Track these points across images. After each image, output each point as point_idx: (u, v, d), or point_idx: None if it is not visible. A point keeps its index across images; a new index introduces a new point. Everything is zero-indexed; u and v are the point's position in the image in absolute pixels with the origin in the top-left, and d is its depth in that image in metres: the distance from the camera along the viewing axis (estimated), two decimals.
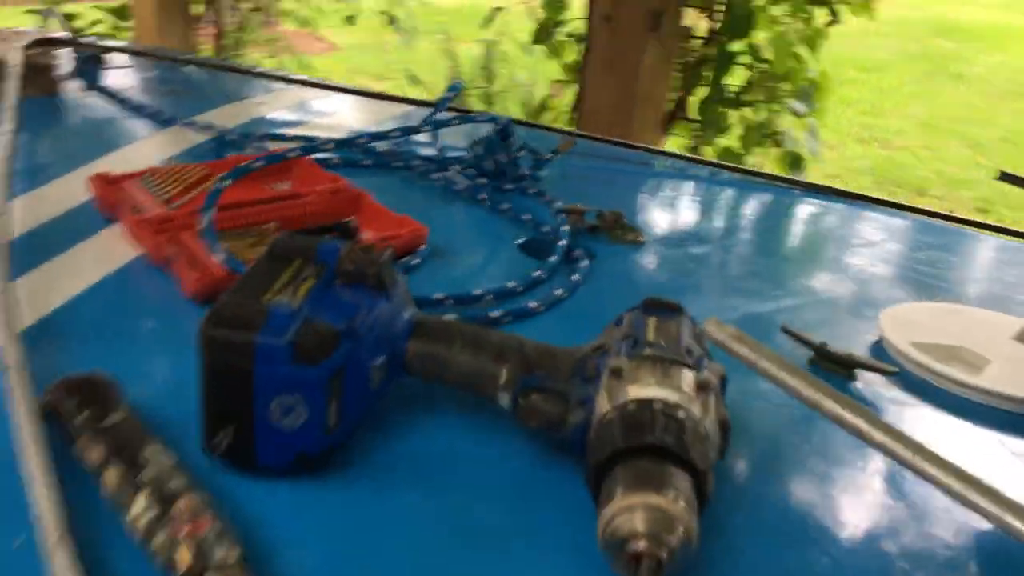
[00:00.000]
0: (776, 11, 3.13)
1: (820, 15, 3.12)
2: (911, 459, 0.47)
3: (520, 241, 0.97)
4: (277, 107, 1.45)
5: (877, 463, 0.64)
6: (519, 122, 1.35)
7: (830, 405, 0.48)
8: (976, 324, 0.87)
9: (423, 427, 0.62)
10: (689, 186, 1.31)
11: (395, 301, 0.60)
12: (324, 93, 1.55)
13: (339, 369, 0.54)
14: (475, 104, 3.86)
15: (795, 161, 3.20)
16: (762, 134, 3.22)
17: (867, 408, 0.50)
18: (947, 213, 1.32)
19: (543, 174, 1.19)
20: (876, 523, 0.58)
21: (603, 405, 0.54)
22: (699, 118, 3.30)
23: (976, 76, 7.67)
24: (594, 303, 0.84)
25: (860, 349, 0.83)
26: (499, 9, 3.81)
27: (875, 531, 0.57)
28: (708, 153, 3.28)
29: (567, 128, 2.82)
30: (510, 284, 0.83)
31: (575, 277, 0.87)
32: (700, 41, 3.17)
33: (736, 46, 3.13)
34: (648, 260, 0.98)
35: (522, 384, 0.58)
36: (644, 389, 0.53)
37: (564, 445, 0.57)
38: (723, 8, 3.10)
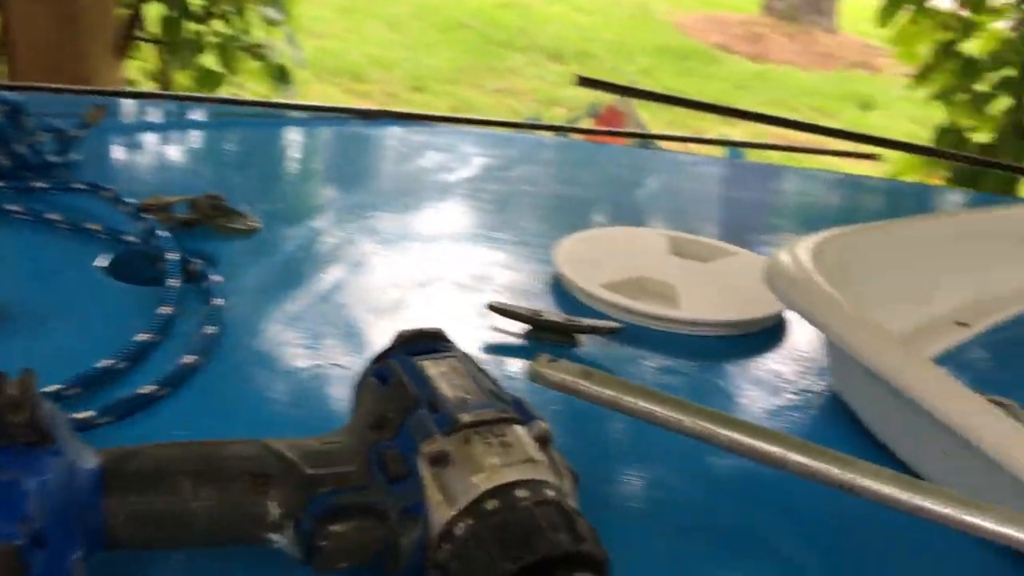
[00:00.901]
0: None
1: None
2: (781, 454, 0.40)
3: (104, 263, 0.72)
4: None
5: None
6: None
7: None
8: (635, 247, 0.85)
9: None
10: (275, 134, 1.13)
11: (66, 450, 0.38)
12: None
13: None
14: None
15: (281, 74, 3.05)
16: (240, 48, 3.01)
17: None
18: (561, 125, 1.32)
19: (78, 158, 0.91)
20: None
21: (442, 512, 0.39)
22: (164, 39, 2.98)
23: None
24: (258, 335, 0.65)
25: (544, 296, 0.76)
26: None
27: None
28: (184, 78, 2.99)
29: None
30: (142, 337, 0.60)
31: (217, 301, 0.66)
32: None
33: None
34: (281, 252, 0.80)
35: (310, 513, 0.40)
36: (494, 475, 0.40)
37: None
38: None
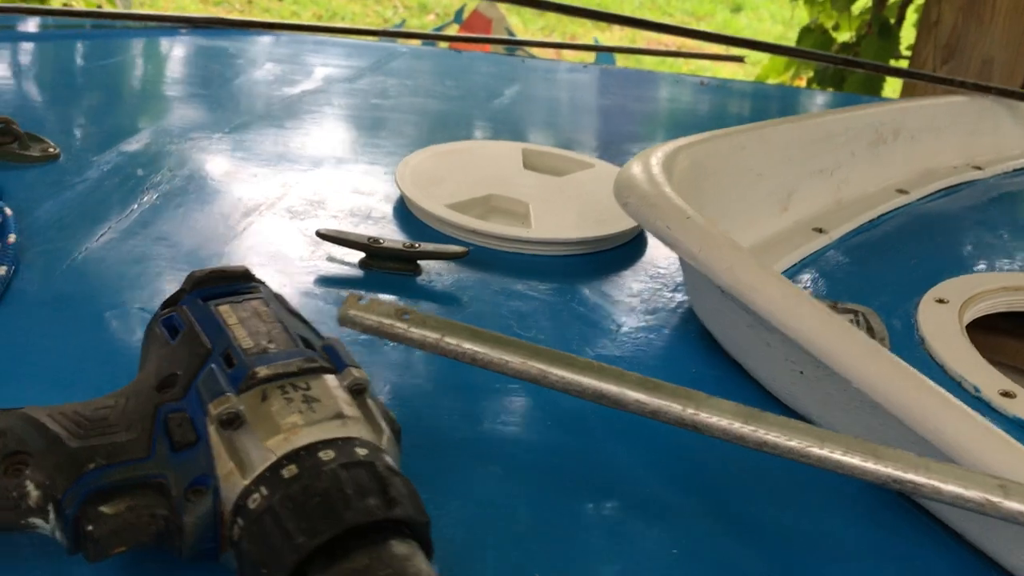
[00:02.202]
0: None
1: None
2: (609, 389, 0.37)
3: None
4: None
5: None
6: None
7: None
8: (486, 161, 0.80)
9: None
10: (92, 49, 1.01)
11: None
12: None
13: None
14: None
15: None
16: None
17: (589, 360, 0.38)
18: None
19: None
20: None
21: (233, 482, 0.34)
22: None
23: None
24: (63, 282, 0.57)
25: (387, 220, 0.70)
26: None
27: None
28: None
29: None
30: None
31: (10, 238, 0.58)
32: None
33: None
34: (78, 181, 0.71)
35: (75, 493, 0.34)
36: (293, 437, 0.34)
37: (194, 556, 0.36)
38: None
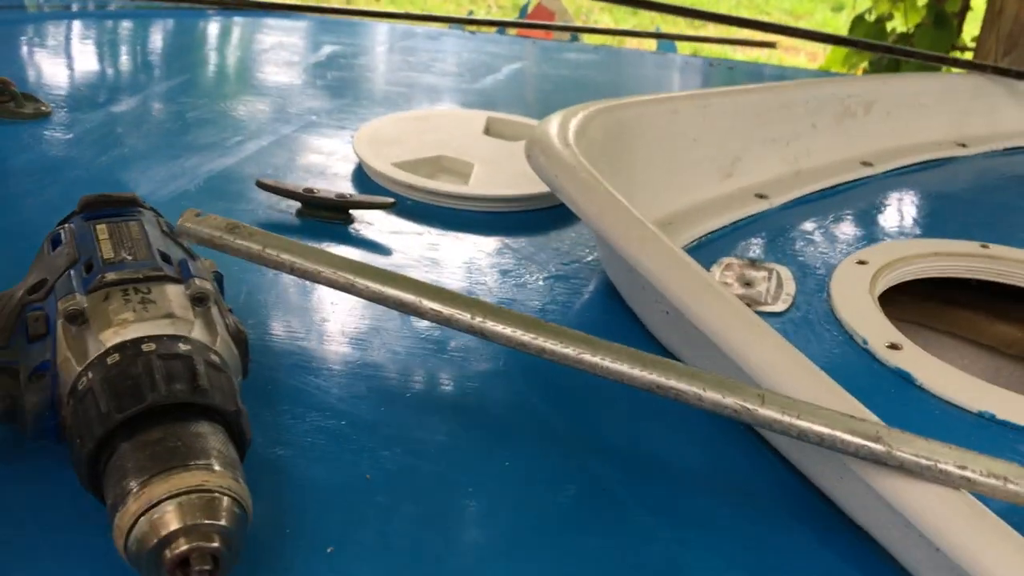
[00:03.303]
0: None
1: None
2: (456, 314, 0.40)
3: None
4: None
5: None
6: None
7: (364, 282, 0.39)
8: (449, 127, 0.84)
9: None
10: (76, 26, 1.08)
11: None
12: None
13: None
14: None
15: None
16: None
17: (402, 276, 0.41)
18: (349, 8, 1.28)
19: None
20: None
21: (69, 369, 0.39)
22: None
23: None
24: (7, 216, 0.64)
25: (344, 181, 0.75)
26: None
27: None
28: None
29: None
30: None
31: None
32: None
33: None
34: (61, 135, 0.77)
35: None
36: (122, 330, 0.39)
37: (37, 435, 0.41)
38: None
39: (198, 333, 0.41)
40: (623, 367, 0.38)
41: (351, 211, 0.67)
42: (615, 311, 0.60)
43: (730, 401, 0.37)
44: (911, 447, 0.35)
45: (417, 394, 0.49)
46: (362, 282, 0.40)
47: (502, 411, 0.49)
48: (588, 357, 0.38)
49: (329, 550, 0.39)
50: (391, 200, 0.67)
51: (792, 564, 0.41)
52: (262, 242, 0.40)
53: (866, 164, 0.87)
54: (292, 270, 0.40)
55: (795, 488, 0.45)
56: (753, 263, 0.66)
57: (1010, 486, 0.35)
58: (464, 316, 0.39)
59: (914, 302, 0.81)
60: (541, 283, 0.63)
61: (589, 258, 0.66)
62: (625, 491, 0.44)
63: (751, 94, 0.79)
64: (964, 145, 0.96)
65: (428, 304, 0.39)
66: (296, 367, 0.50)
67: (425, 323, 0.54)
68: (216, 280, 0.47)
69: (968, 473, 0.35)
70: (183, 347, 0.39)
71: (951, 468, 0.35)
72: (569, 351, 0.38)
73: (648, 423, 0.49)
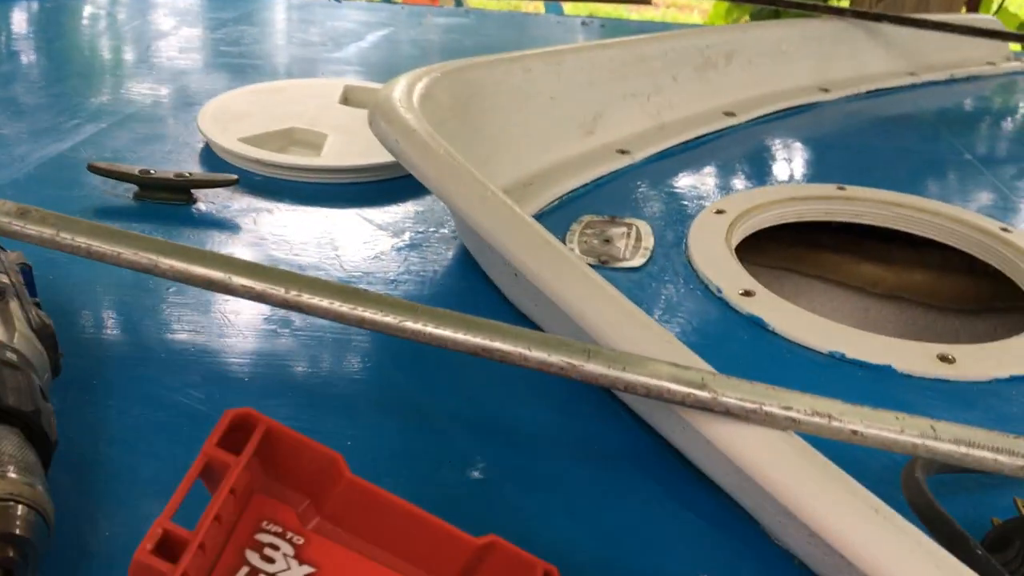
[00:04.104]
0: None
1: None
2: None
3: None
4: None
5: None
6: None
7: (168, 263, 0.37)
8: (303, 98, 0.81)
9: None
10: None
11: None
12: None
13: None
14: None
15: None
16: None
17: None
18: None
19: None
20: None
21: None
22: None
23: None
24: None
25: (192, 161, 0.71)
26: None
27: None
28: None
29: None
30: None
31: None
32: None
33: None
34: None
35: None
36: None
37: None
38: None
39: None
40: (447, 332, 0.36)
41: (192, 191, 0.64)
42: (472, 279, 0.58)
43: (556, 359, 0.36)
44: (736, 391, 0.35)
45: (258, 377, 0.47)
46: (166, 261, 0.37)
47: (351, 386, 0.47)
48: (410, 324, 0.36)
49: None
50: (233, 177, 0.64)
51: (641, 517, 0.40)
52: (56, 226, 0.38)
53: (729, 114, 0.87)
54: (89, 253, 0.38)
55: (647, 445, 0.44)
56: (613, 219, 0.66)
57: (835, 423, 0.35)
58: (277, 291, 0.37)
59: (781, 248, 0.82)
60: (396, 253, 0.61)
61: (446, 228, 0.65)
62: (479, 457, 0.42)
63: (607, 49, 0.78)
64: (827, 90, 0.98)
65: (238, 280, 0.37)
66: (125, 359, 0.47)
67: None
68: (23, 272, 0.44)
69: (793, 414, 0.35)
70: None
71: (776, 410, 0.35)
72: (390, 319, 0.36)
73: (505, 390, 0.48)
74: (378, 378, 0.48)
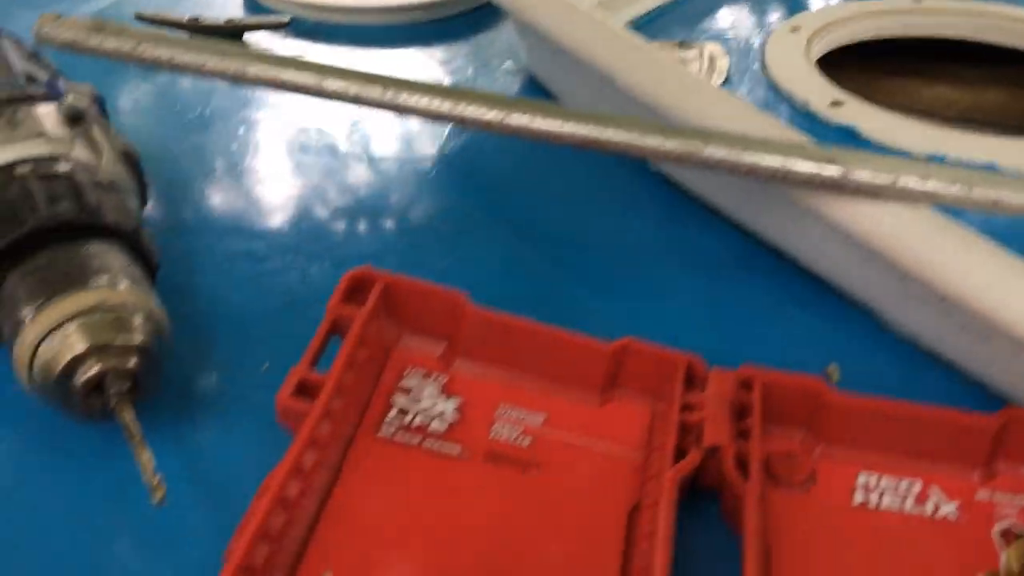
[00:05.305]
0: None
1: None
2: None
3: None
4: None
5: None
6: None
7: (257, 69, 0.35)
8: None
9: None
10: None
11: None
12: None
13: None
14: None
15: None
16: None
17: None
18: None
19: None
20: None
21: None
22: None
23: None
24: None
25: (236, 10, 0.68)
26: None
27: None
28: None
29: None
30: None
31: None
32: None
33: None
34: None
35: None
36: None
37: None
38: None
39: (79, 153, 0.36)
40: (554, 124, 0.34)
41: (243, 36, 0.61)
42: None
43: (672, 145, 0.34)
44: (868, 165, 0.33)
45: (335, 208, 0.46)
46: (253, 69, 0.35)
47: (445, 221, 0.46)
48: (516, 120, 0.34)
49: (264, 367, 0.36)
50: (285, 18, 0.61)
51: (760, 320, 0.39)
52: (135, 37, 0.36)
53: None
54: (172, 65, 0.36)
55: (756, 253, 0.43)
56: (682, 43, 0.63)
57: (976, 192, 0.33)
58: (373, 92, 0.35)
59: (847, 75, 0.79)
60: None
61: (510, 61, 0.62)
62: (574, 272, 0.41)
63: None
64: None
65: (331, 84, 0.35)
66: (206, 193, 0.46)
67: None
68: (98, 103, 0.42)
69: (930, 186, 0.33)
70: (61, 167, 0.35)
71: (912, 183, 0.33)
72: (492, 115, 0.34)
73: (599, 207, 0.46)
74: (464, 204, 0.47)
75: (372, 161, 0.49)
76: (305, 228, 0.44)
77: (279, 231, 0.44)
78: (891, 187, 0.33)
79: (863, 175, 0.33)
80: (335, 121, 0.53)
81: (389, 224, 0.45)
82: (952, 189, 0.33)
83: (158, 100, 0.55)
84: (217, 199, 0.46)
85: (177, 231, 0.43)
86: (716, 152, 0.34)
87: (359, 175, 0.48)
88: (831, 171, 0.33)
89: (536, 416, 0.33)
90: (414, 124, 0.52)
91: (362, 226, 0.45)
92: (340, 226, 0.45)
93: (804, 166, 0.33)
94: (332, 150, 0.50)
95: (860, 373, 0.36)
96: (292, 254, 0.42)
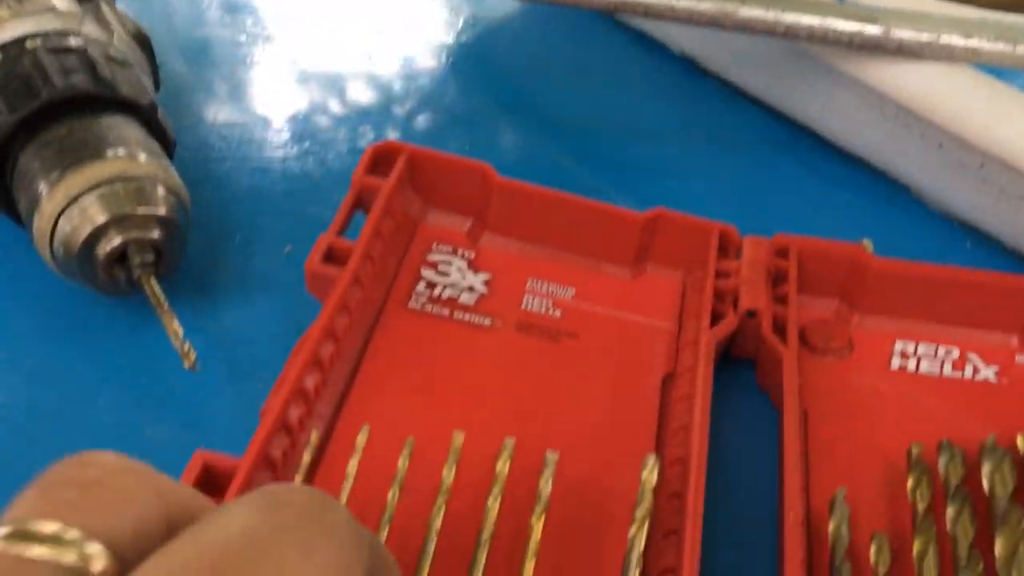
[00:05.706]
0: None
1: None
2: None
3: None
4: None
5: None
6: None
7: None
8: None
9: None
10: None
11: None
12: None
13: None
14: None
15: None
16: None
17: None
18: None
19: None
20: None
21: None
22: None
23: None
24: None
25: None
26: None
27: None
28: None
29: None
30: None
31: None
32: None
33: None
34: None
35: None
36: None
37: None
38: None
39: (89, 29, 0.35)
40: None
41: None
42: None
43: (707, 6, 0.32)
44: (910, 23, 0.32)
45: (350, 97, 0.45)
46: None
47: (463, 101, 0.45)
48: None
49: (287, 249, 0.36)
50: None
51: (781, 194, 0.38)
52: None
53: None
54: None
55: (783, 131, 0.42)
56: None
57: (1020, 48, 0.31)
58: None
59: None
60: None
61: None
62: (596, 159, 0.40)
63: None
64: None
65: None
66: (218, 83, 0.45)
67: None
68: None
69: (974, 42, 0.32)
70: (73, 41, 0.34)
71: (955, 39, 0.31)
72: None
73: (620, 92, 0.45)
74: (482, 93, 0.45)
75: (388, 51, 0.48)
76: (320, 116, 0.43)
77: (294, 118, 0.43)
78: (933, 44, 0.32)
79: (904, 33, 0.31)
80: (350, 7, 0.51)
81: (405, 113, 0.44)
82: (997, 46, 0.31)
83: None
84: (229, 88, 0.45)
85: (190, 118, 0.42)
86: (752, 12, 0.32)
87: (375, 65, 0.47)
88: (872, 30, 0.32)
89: (567, 290, 0.33)
90: (431, 11, 0.50)
91: (378, 115, 0.44)
92: (355, 114, 0.44)
93: (845, 25, 0.32)
94: (347, 38, 0.49)
95: (894, 248, 0.36)
96: (309, 140, 0.42)
